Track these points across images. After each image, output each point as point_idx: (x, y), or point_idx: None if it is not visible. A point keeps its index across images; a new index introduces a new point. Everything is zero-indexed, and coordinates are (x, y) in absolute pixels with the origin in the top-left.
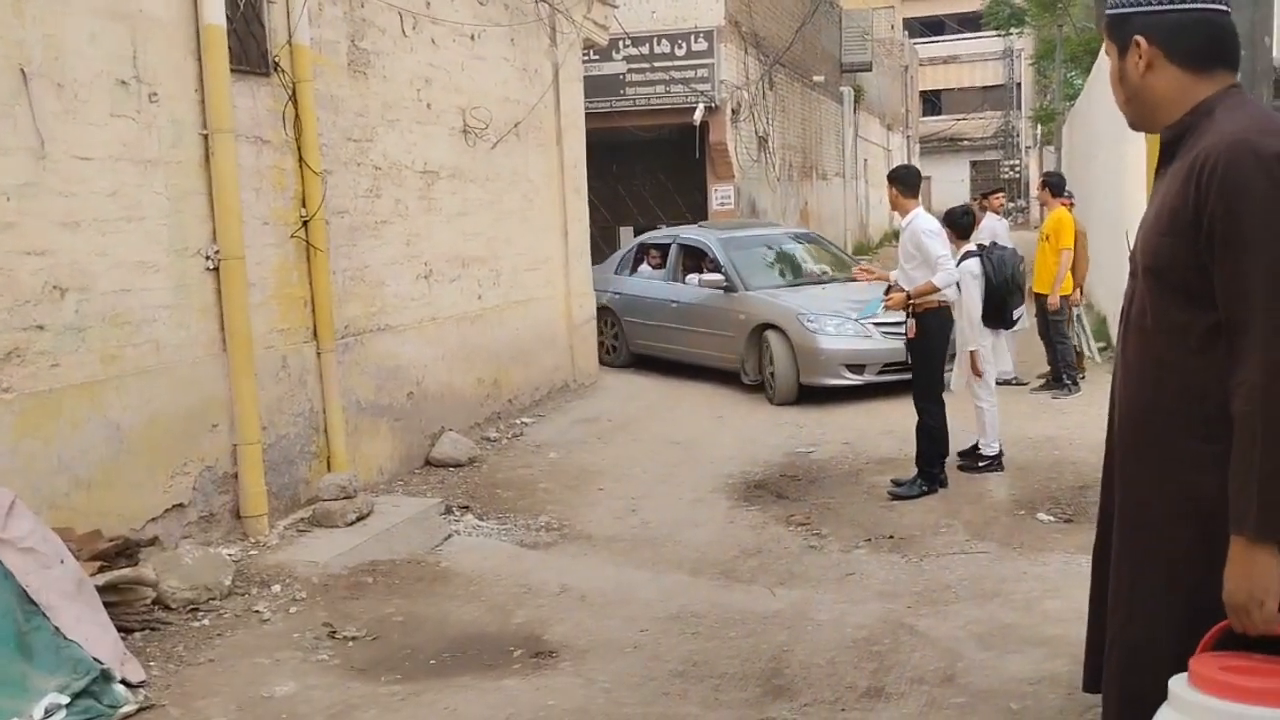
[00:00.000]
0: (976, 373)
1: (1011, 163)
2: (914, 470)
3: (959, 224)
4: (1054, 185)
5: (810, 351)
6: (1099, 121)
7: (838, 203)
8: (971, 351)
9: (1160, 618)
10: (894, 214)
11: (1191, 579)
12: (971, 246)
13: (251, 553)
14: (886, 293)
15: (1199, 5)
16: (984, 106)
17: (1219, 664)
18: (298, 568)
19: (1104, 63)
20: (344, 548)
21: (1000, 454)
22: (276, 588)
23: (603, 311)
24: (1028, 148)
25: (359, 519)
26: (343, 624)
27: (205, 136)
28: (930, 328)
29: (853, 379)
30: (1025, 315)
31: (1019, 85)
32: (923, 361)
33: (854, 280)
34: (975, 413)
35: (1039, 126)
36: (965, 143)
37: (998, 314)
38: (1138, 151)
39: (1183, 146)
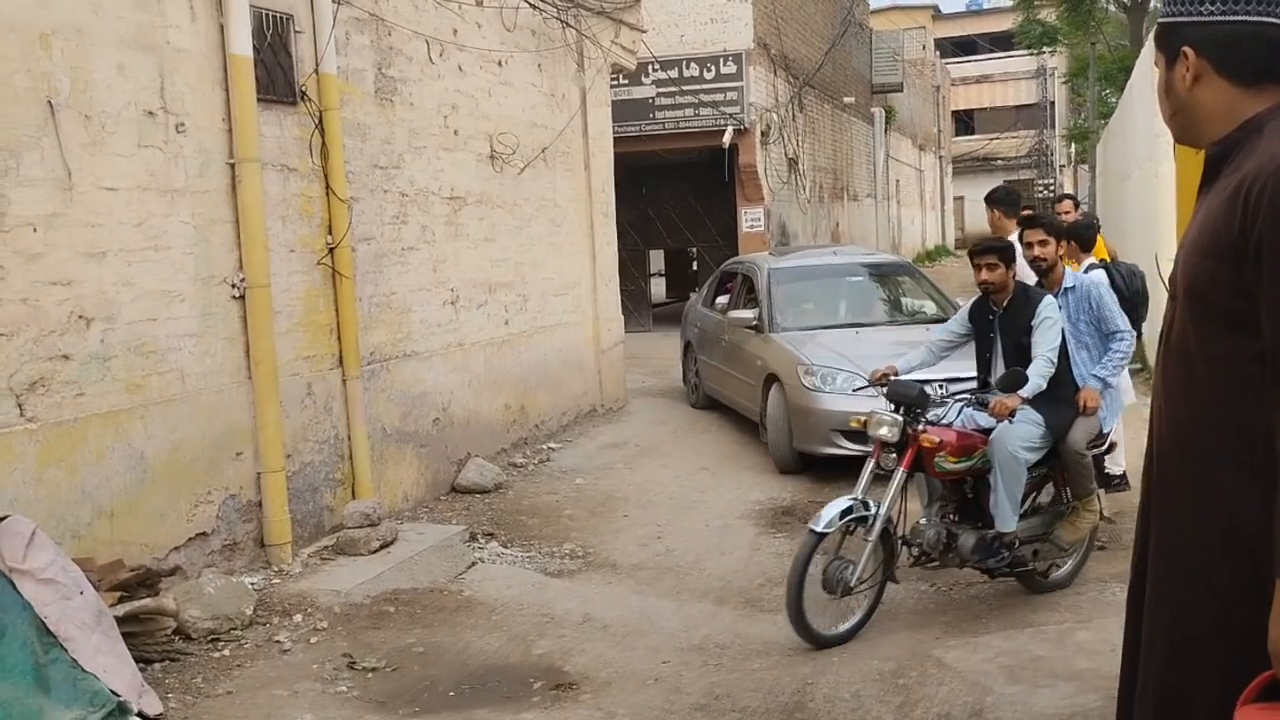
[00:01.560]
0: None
1: (1046, 181)
2: None
3: (1083, 237)
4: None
5: (803, 411)
6: (1133, 140)
7: (869, 224)
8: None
9: (1202, 660)
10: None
11: (1239, 620)
12: (1093, 259)
13: (274, 581)
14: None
15: (1252, 17)
16: (1017, 126)
17: (1265, 717)
18: (320, 597)
19: (1138, 81)
20: (367, 576)
21: (1124, 474)
22: (298, 617)
23: (687, 348)
24: (1061, 166)
25: (383, 547)
26: (363, 654)
27: (232, 166)
28: None
29: (851, 449)
30: None
31: (1052, 104)
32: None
33: (937, 323)
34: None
35: (1073, 145)
36: (999, 162)
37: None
38: (1171, 171)
39: (1229, 165)
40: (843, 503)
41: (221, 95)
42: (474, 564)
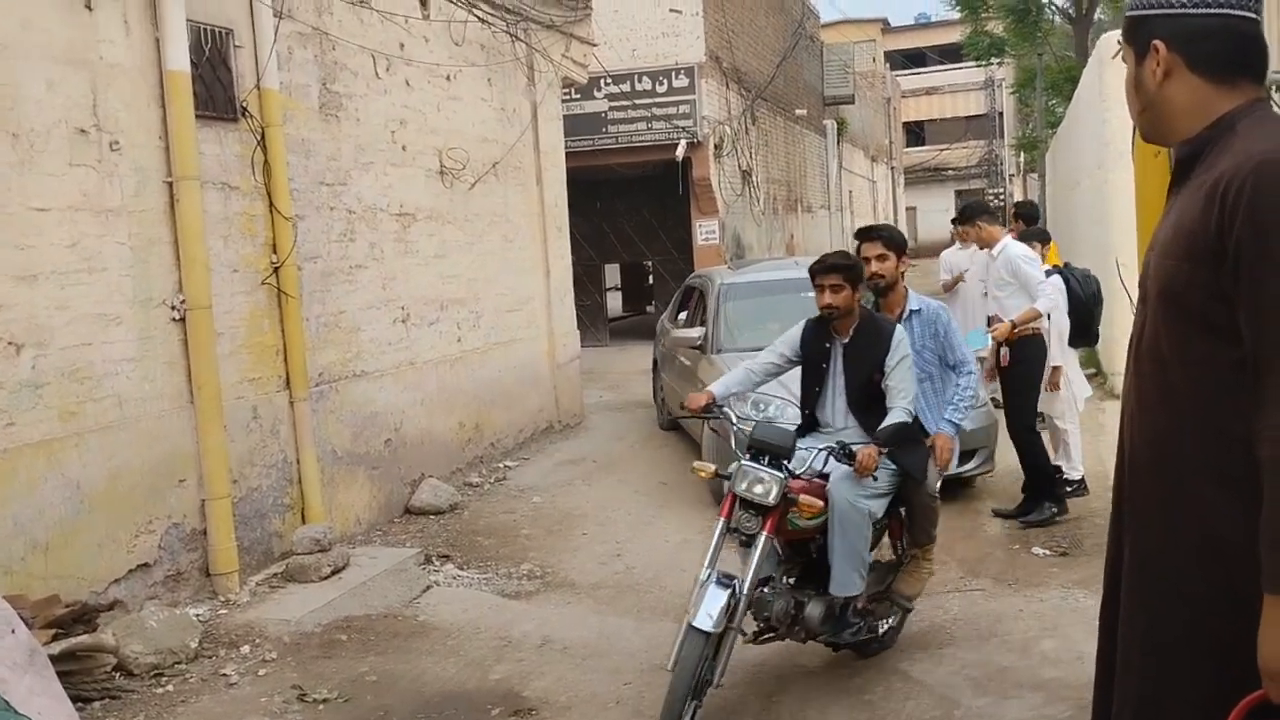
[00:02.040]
0: (1055, 386)
1: (995, 190)
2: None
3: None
4: (1026, 217)
5: (725, 445)
6: (1082, 149)
7: (824, 235)
8: (1055, 367)
9: (1179, 671)
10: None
11: (1215, 630)
12: (1047, 266)
13: (221, 612)
14: (989, 323)
15: (1225, 10)
16: (967, 136)
17: None
18: (269, 626)
19: (1084, 91)
20: (318, 603)
21: (1083, 479)
22: (246, 648)
23: (655, 366)
24: (1011, 176)
25: (334, 572)
26: (314, 685)
27: (170, 184)
28: (1027, 355)
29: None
30: None
31: (1001, 114)
32: (1021, 389)
33: None
34: (1056, 435)
35: (1022, 154)
36: (949, 172)
37: (1084, 331)
38: (1121, 178)
39: (1200, 164)
40: (720, 594)
41: (158, 112)
42: (429, 587)
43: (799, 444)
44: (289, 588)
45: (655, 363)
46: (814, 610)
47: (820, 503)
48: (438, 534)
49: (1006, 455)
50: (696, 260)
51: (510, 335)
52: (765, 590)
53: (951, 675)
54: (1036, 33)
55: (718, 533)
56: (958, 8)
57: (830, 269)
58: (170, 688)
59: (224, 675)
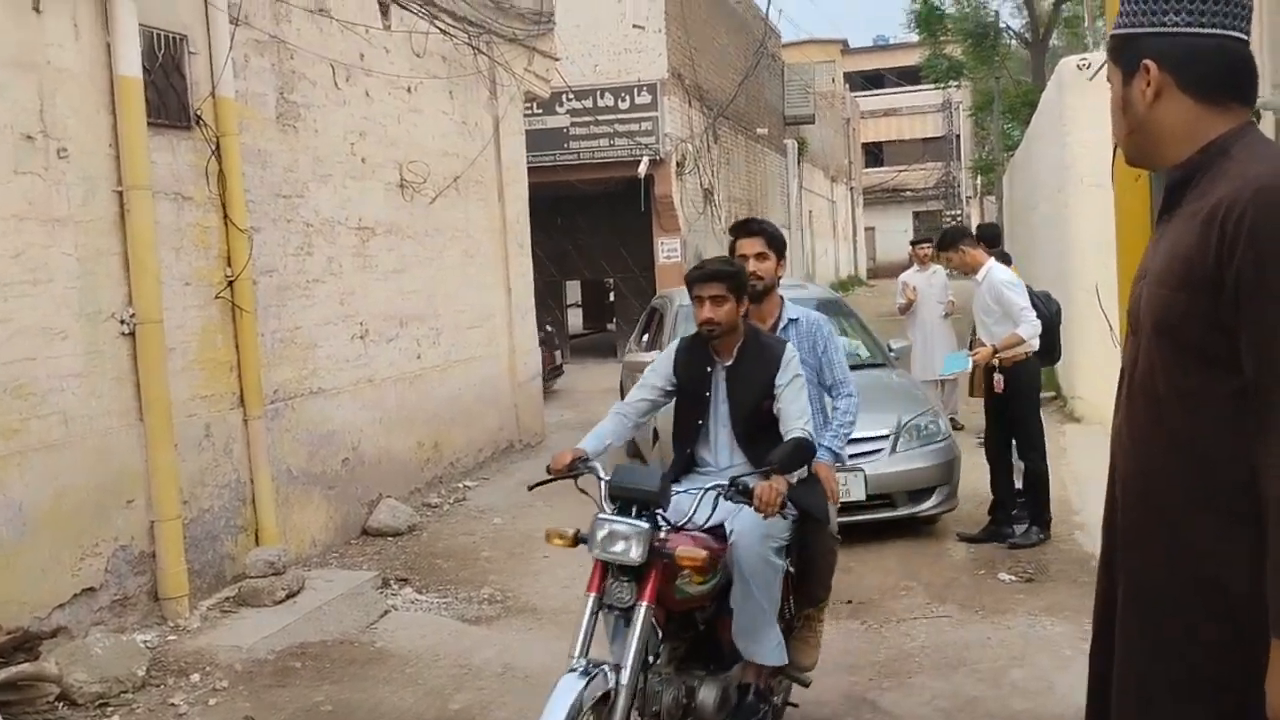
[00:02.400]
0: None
1: (953, 212)
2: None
3: (995, 237)
4: (988, 239)
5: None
6: (1040, 172)
7: None
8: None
9: (1178, 716)
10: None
11: (1218, 684)
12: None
13: (170, 638)
14: (971, 347)
15: (1219, 30)
16: (925, 158)
17: None
18: (220, 653)
19: (1043, 115)
20: (271, 629)
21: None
22: (195, 676)
23: (621, 390)
24: (968, 197)
25: (289, 596)
26: (266, 715)
27: (120, 194)
28: (1021, 379)
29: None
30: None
31: (958, 137)
32: (1020, 416)
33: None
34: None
35: (979, 177)
36: (908, 193)
37: (1049, 351)
38: (1080, 202)
39: (1193, 189)
40: (569, 691)
41: (108, 119)
42: (387, 612)
43: (676, 489)
44: (241, 612)
45: (621, 385)
46: (707, 695)
47: (702, 553)
48: (396, 556)
49: (967, 481)
50: (658, 278)
51: (470, 352)
52: (652, 678)
53: (921, 706)
54: (994, 56)
55: (587, 612)
56: (916, 30)
57: (710, 277)
58: (116, 718)
59: (173, 705)
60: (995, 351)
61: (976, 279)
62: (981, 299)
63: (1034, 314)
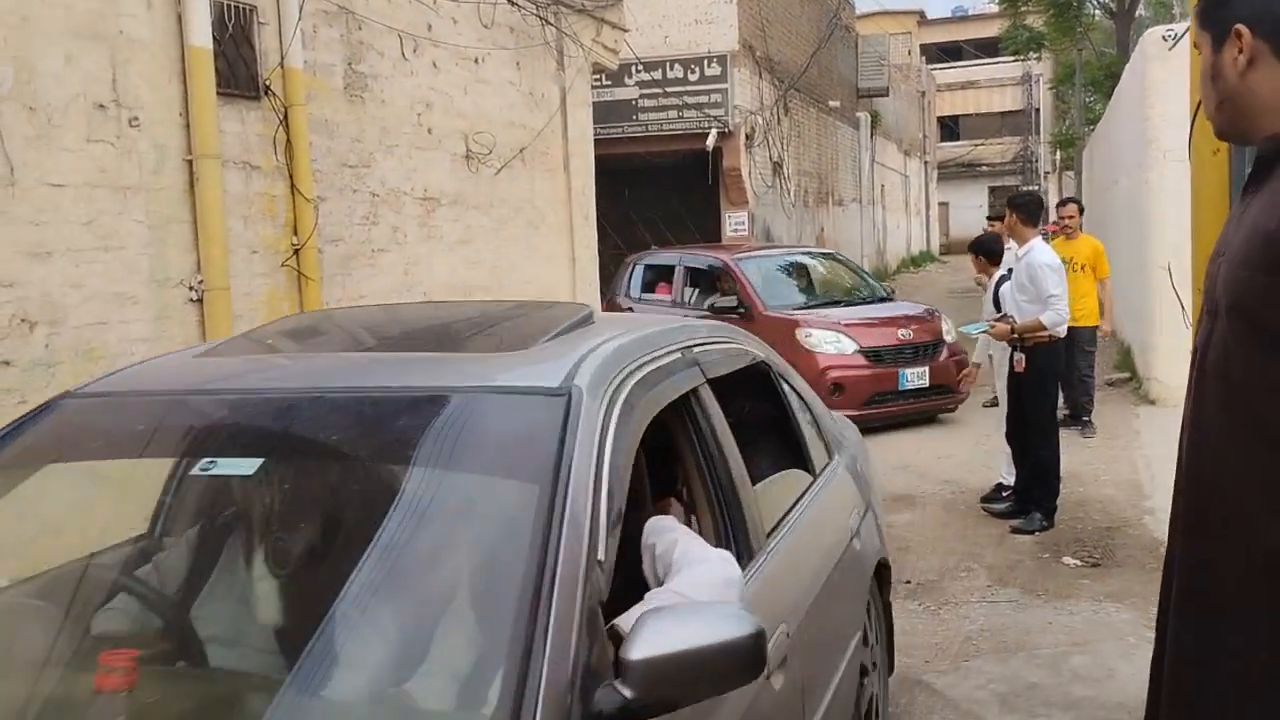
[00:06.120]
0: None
1: (1030, 188)
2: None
3: (992, 251)
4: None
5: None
6: (1121, 146)
7: (854, 229)
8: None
9: (1231, 698)
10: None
11: (1272, 662)
12: (1004, 272)
13: None
14: (1000, 318)
15: None
16: (1002, 132)
17: None
18: None
19: (1125, 88)
20: None
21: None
22: None
23: None
24: (1046, 173)
25: None
26: None
27: (190, 162)
28: (1041, 363)
29: None
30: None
31: (1038, 110)
32: (1035, 397)
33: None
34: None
35: (1058, 152)
36: (984, 168)
37: None
38: (1160, 177)
39: None
40: None
41: (179, 88)
42: None
43: None
44: None
45: None
46: None
47: None
48: None
49: (992, 458)
50: None
51: None
52: None
53: (977, 690)
54: (1077, 27)
55: None
56: (997, 1)
57: None
58: None
59: None
60: (1013, 330)
61: (1018, 254)
62: (1018, 275)
63: (1064, 303)
